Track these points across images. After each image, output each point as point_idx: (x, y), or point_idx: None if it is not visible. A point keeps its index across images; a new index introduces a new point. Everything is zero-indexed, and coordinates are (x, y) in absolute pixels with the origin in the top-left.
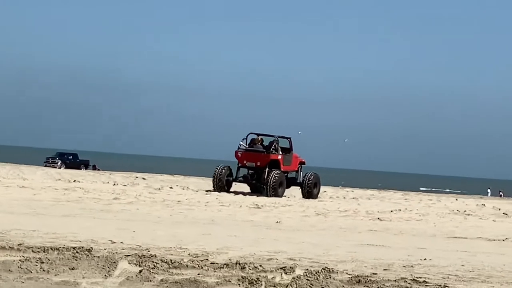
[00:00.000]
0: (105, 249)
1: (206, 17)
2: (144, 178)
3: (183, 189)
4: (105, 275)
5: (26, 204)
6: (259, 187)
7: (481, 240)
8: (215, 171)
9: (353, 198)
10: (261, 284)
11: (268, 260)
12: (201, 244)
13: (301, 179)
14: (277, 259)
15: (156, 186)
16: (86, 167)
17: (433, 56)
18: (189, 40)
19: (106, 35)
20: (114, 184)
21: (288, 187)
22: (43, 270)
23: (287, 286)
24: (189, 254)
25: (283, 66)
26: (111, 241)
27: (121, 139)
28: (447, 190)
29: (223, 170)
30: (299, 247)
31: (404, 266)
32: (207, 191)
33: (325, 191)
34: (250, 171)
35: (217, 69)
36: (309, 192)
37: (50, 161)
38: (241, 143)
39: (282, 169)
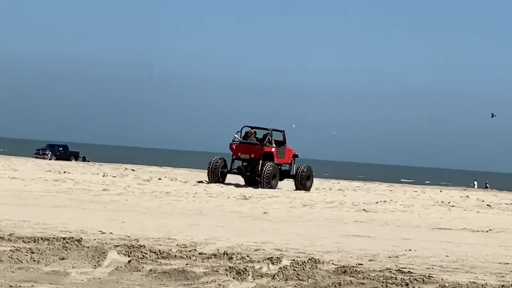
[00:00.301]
0: (94, 240)
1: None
2: (133, 170)
3: (172, 180)
4: (95, 265)
5: (17, 195)
6: (253, 179)
7: (465, 231)
8: (210, 162)
9: (339, 189)
10: (248, 274)
11: (255, 250)
12: (189, 234)
13: (294, 172)
14: (264, 250)
15: (145, 178)
16: (76, 159)
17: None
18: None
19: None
20: (104, 176)
21: (281, 179)
22: (34, 260)
23: (274, 276)
24: (177, 245)
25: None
26: (100, 231)
27: (112, 131)
28: (427, 182)
29: (218, 162)
30: (286, 237)
31: (389, 257)
32: (199, 181)
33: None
34: (244, 163)
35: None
36: (303, 184)
37: (41, 153)
38: (235, 135)
39: (275, 162)
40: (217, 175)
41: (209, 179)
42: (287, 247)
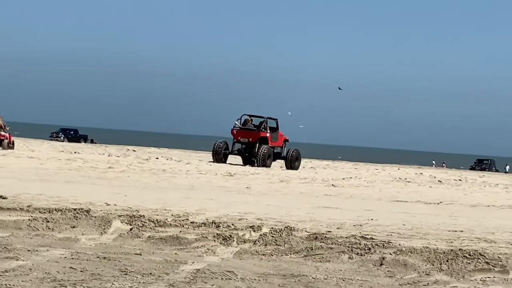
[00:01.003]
0: (101, 210)
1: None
2: (134, 150)
3: (167, 159)
4: (101, 232)
5: (34, 172)
6: (250, 159)
7: (419, 203)
8: (214, 145)
9: (311, 167)
10: (233, 240)
11: (239, 220)
12: (183, 206)
13: (285, 154)
14: (246, 219)
15: (144, 157)
16: (85, 141)
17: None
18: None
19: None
20: (109, 155)
21: (274, 160)
22: (49, 228)
23: (255, 242)
24: (172, 215)
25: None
26: (106, 203)
27: (116, 117)
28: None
29: (221, 145)
30: (266, 209)
31: (354, 225)
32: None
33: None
34: (243, 145)
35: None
36: (292, 164)
37: (55, 136)
38: (236, 122)
39: (270, 145)
40: (220, 156)
41: (213, 159)
42: (266, 217)
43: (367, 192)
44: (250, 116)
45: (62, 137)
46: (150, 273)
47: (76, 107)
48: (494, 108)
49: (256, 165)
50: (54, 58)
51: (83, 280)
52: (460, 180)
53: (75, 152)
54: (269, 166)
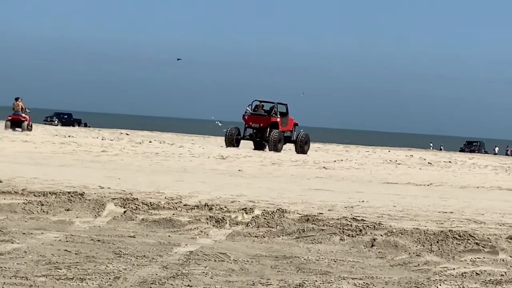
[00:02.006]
0: (95, 194)
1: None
2: (127, 134)
3: (160, 143)
4: (95, 215)
5: (28, 155)
6: (261, 144)
7: (410, 185)
8: (227, 131)
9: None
10: (226, 222)
11: (232, 202)
12: (175, 189)
13: (294, 138)
14: (239, 201)
15: (138, 141)
16: (79, 125)
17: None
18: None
19: None
20: (102, 139)
21: (284, 144)
22: (43, 211)
23: (248, 224)
24: (165, 198)
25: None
26: (100, 186)
27: (109, 101)
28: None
29: (233, 130)
30: (258, 191)
31: (345, 207)
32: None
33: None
34: (254, 130)
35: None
36: (302, 148)
37: (49, 120)
38: (247, 108)
39: (280, 129)
40: (232, 141)
41: (226, 144)
42: (258, 199)
43: (358, 174)
44: (260, 101)
45: (56, 121)
46: (144, 255)
47: (70, 91)
48: (484, 91)
49: (266, 149)
50: (48, 43)
51: (77, 262)
52: (449, 162)
53: (69, 136)
54: (280, 150)
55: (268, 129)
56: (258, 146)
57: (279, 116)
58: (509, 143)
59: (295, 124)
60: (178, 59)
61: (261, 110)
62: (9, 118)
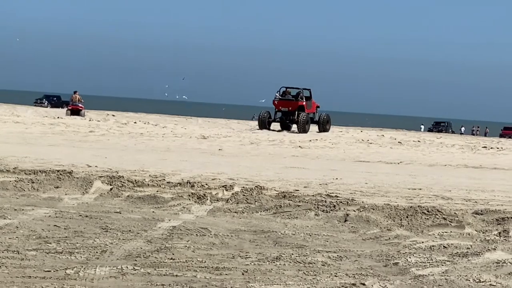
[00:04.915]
0: (83, 172)
1: None
2: (113, 115)
3: (145, 123)
4: (83, 192)
5: (19, 136)
6: (287, 125)
7: (381, 163)
8: (259, 114)
9: (279, 130)
10: (207, 199)
11: (213, 179)
12: (159, 167)
13: (317, 119)
14: (219, 179)
15: (123, 122)
16: (67, 106)
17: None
18: None
19: None
20: (90, 120)
21: None
22: (34, 189)
23: (228, 200)
24: (149, 175)
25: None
26: (87, 165)
27: (95, 83)
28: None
29: (265, 114)
30: (237, 169)
31: (320, 184)
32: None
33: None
34: (283, 114)
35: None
36: (324, 127)
37: (39, 102)
38: (276, 94)
39: (306, 112)
40: (264, 124)
41: (259, 127)
42: (238, 177)
43: (331, 153)
44: (287, 88)
45: (45, 103)
46: (129, 230)
47: (59, 74)
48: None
49: (294, 129)
50: (37, 28)
51: (66, 237)
52: (418, 141)
53: (58, 117)
54: (307, 131)
55: (296, 112)
56: (285, 127)
57: (304, 100)
58: (474, 123)
59: (317, 107)
60: (183, 78)
61: (289, 96)
62: (69, 108)
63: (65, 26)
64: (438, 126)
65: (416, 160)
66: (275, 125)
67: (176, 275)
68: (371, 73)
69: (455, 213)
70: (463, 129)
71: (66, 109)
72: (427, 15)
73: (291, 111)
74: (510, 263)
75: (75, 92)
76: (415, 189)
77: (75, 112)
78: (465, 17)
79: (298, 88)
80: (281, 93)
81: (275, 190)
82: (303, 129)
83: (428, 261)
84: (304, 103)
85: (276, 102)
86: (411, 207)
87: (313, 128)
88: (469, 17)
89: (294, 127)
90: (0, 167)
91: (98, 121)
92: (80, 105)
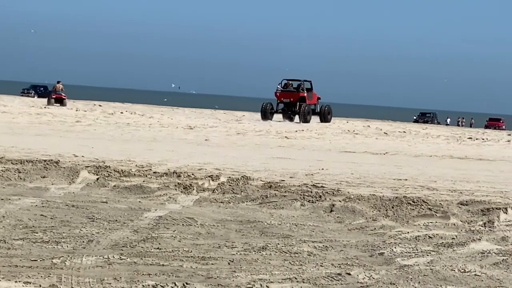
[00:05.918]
0: (69, 162)
1: None
2: (100, 105)
3: (131, 114)
4: (70, 182)
5: (6, 126)
6: (290, 116)
7: (367, 154)
8: (262, 106)
9: (280, 121)
10: (193, 189)
11: (199, 170)
12: (146, 157)
13: (318, 110)
14: (206, 169)
15: (110, 112)
16: None
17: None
18: None
19: None
20: (77, 110)
21: None
22: (20, 178)
23: (214, 190)
24: (136, 165)
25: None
26: (74, 155)
27: (82, 74)
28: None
29: (268, 105)
30: (223, 159)
31: (306, 174)
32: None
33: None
34: (285, 105)
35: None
36: (325, 118)
37: (26, 92)
38: (278, 86)
39: (307, 103)
40: (267, 114)
41: (262, 117)
42: (224, 167)
43: (318, 144)
44: (288, 80)
45: (32, 93)
46: (116, 220)
47: (45, 64)
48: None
49: (296, 120)
50: (26, 17)
51: (53, 226)
52: (404, 132)
53: (45, 107)
54: (309, 121)
55: (298, 103)
56: (286, 117)
57: (305, 92)
58: (460, 114)
59: (318, 98)
60: (179, 87)
61: (291, 87)
62: (54, 96)
63: (47, 16)
64: (424, 117)
65: (401, 150)
66: (275, 124)
67: (163, 265)
68: (361, 69)
69: (440, 203)
70: (448, 120)
71: (49, 97)
72: (408, 12)
73: (292, 102)
74: (494, 253)
75: (58, 82)
76: (400, 179)
77: (59, 100)
78: (447, 12)
79: (299, 80)
80: (282, 85)
81: (261, 180)
82: (304, 119)
83: (414, 251)
84: (305, 94)
85: (278, 93)
86: (396, 197)
87: (315, 119)
88: (449, 11)
89: (297, 118)
90: None
91: (85, 111)
92: (63, 94)
